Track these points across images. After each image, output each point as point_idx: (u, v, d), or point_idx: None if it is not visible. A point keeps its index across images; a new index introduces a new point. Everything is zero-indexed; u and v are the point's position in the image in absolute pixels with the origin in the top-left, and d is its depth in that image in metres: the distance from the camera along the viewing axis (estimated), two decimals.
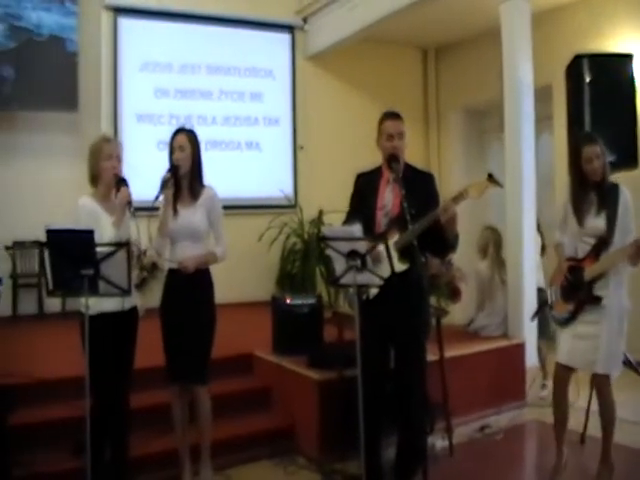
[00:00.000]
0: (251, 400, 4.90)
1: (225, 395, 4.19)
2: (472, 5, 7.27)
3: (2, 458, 3.41)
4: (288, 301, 5.22)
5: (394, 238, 3.59)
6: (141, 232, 3.67)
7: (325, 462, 4.38)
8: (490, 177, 3.52)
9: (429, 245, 3.65)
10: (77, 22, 7.82)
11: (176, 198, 3.88)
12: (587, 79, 5.23)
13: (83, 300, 3.52)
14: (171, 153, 3.89)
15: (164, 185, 3.82)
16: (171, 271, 3.93)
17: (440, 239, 3.60)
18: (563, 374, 3.96)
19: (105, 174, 3.70)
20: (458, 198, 3.50)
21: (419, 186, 3.70)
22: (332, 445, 4.42)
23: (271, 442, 4.64)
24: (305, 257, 8.07)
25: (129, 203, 3.62)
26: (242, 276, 6.97)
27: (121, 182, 3.68)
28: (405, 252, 3.58)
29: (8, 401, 3.53)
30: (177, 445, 4.00)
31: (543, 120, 7.19)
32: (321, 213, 8.16)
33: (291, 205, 8.69)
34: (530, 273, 5.89)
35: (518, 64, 5.98)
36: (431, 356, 4.06)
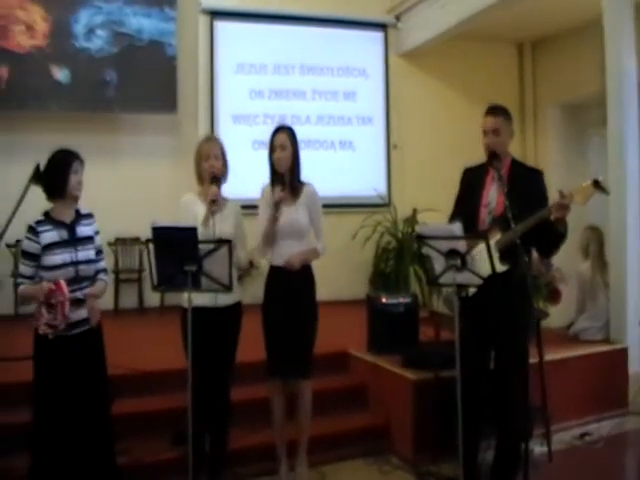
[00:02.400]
0: (346, 398, 4.91)
1: (321, 392, 4.20)
2: None
3: (106, 446, 3.52)
4: (384, 300, 5.21)
5: (496, 237, 3.52)
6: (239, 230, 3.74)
7: (419, 463, 4.34)
8: (596, 183, 3.40)
9: (537, 240, 3.56)
10: (175, 27, 8.06)
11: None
12: None
13: (184, 295, 3.64)
14: (271, 151, 3.93)
15: (277, 204, 3.84)
16: (273, 268, 3.97)
17: (549, 233, 3.51)
18: None
19: (205, 174, 3.80)
20: (562, 205, 3.39)
21: (526, 184, 3.63)
22: (427, 446, 4.38)
23: (365, 441, 4.63)
24: (399, 256, 8.04)
25: (213, 201, 3.68)
26: (336, 274, 7.01)
27: (213, 180, 3.77)
28: (507, 252, 3.50)
29: (111, 391, 3.66)
30: (275, 439, 4.06)
31: None
32: (415, 212, 8.11)
33: (385, 204, 8.66)
34: (634, 275, 5.63)
35: (621, 56, 5.73)
36: (530, 359, 3.95)
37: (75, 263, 3.38)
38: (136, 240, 7.74)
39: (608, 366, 5.31)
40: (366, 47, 8.94)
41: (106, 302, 7.16)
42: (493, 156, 3.65)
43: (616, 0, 5.81)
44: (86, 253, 3.44)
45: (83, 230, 3.47)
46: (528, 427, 4.13)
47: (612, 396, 5.28)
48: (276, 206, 3.78)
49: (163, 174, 7.62)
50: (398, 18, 8.98)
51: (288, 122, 7.75)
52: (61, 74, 7.67)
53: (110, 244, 7.49)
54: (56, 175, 3.42)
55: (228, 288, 3.39)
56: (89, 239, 3.48)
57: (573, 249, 5.70)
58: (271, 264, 3.99)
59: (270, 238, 3.90)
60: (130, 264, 7.88)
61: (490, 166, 3.68)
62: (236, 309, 3.86)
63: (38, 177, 3.47)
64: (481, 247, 3.38)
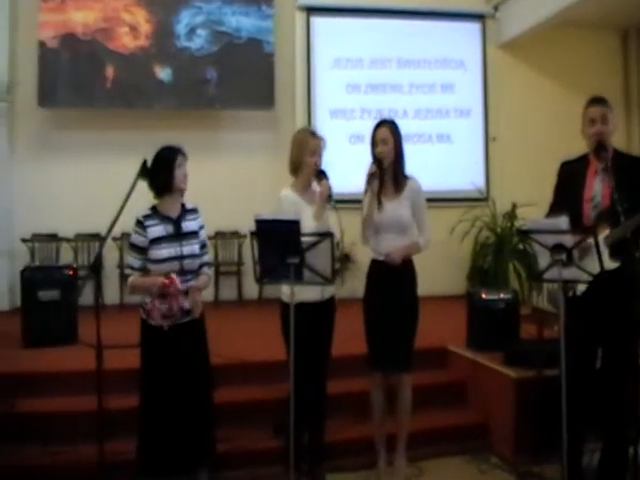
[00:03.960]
0: (445, 394, 4.86)
1: (420, 388, 4.16)
2: None
3: (209, 432, 3.63)
4: (484, 296, 5.11)
5: (604, 233, 3.39)
6: (335, 224, 3.75)
7: (520, 463, 4.24)
8: None
9: None
10: (272, 24, 8.19)
11: (380, 190, 3.89)
12: None
13: (284, 289, 3.69)
14: (373, 146, 3.91)
15: (370, 178, 3.85)
16: (374, 262, 3.97)
17: None
18: None
19: (307, 168, 3.82)
20: None
21: (631, 174, 3.45)
22: (527, 446, 4.27)
23: (464, 438, 4.58)
24: (498, 251, 7.86)
25: (329, 196, 3.71)
26: (434, 269, 6.88)
27: (322, 175, 3.78)
28: (618, 248, 3.36)
29: (214, 379, 3.76)
30: (374, 433, 4.06)
31: None
32: (514, 206, 7.91)
33: (483, 198, 8.51)
34: None
35: None
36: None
37: (180, 257, 3.49)
38: (235, 234, 7.94)
39: None
40: (464, 38, 8.80)
41: (207, 294, 7.33)
42: (601, 146, 3.51)
43: None
44: (191, 247, 3.54)
45: (188, 225, 3.58)
46: (637, 430, 3.97)
47: None
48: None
49: (262, 169, 7.76)
50: (496, 8, 8.79)
51: (385, 116, 7.79)
52: (163, 73, 7.96)
53: (210, 238, 7.66)
54: (162, 171, 3.53)
55: (330, 281, 3.42)
56: (194, 234, 3.58)
57: None
58: (372, 258, 3.98)
59: (368, 224, 3.89)
60: (230, 257, 8.07)
61: (597, 157, 3.54)
62: (331, 303, 3.89)
63: (145, 172, 3.59)
64: (589, 243, 3.26)
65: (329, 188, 3.72)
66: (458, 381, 5.00)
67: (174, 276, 3.39)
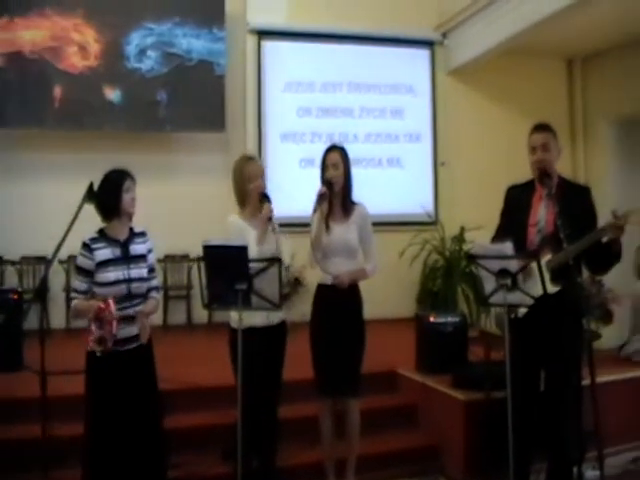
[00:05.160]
0: (396, 418, 4.89)
1: (370, 411, 4.19)
2: (623, 10, 6.93)
3: (158, 460, 3.56)
4: (432, 319, 5.17)
5: (547, 257, 3.47)
6: (285, 248, 3.75)
7: None
8: None
9: (589, 260, 3.50)
10: (224, 47, 8.20)
11: (328, 214, 3.92)
12: None
13: (232, 314, 3.67)
14: (324, 170, 3.94)
15: (320, 198, 3.87)
16: (321, 286, 3.98)
17: (603, 253, 3.46)
18: None
19: (251, 194, 3.81)
20: (617, 226, 3.33)
21: (574, 201, 3.56)
22: (477, 467, 4.33)
23: (415, 461, 4.59)
24: (447, 275, 7.95)
25: (270, 219, 3.71)
26: (383, 292, 6.96)
27: (264, 198, 3.78)
28: (559, 272, 3.45)
29: (163, 406, 3.70)
30: (323, 458, 4.05)
31: None
32: (463, 230, 8.00)
33: (432, 222, 8.60)
34: None
35: None
36: (582, 381, 3.87)
37: (128, 281, 3.44)
38: (185, 257, 7.87)
39: None
40: (414, 64, 8.95)
41: (156, 318, 7.23)
42: (544, 173, 3.60)
43: None
44: (139, 271, 3.49)
45: (136, 248, 3.53)
46: (580, 451, 4.05)
47: None
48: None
49: (212, 192, 7.69)
50: (445, 35, 8.97)
51: (336, 140, 7.85)
52: (113, 94, 7.88)
53: (160, 261, 7.59)
54: (109, 195, 3.49)
55: (278, 306, 3.41)
56: (142, 257, 3.53)
57: (627, 269, 5.58)
58: (319, 283, 3.99)
59: (316, 246, 3.90)
60: (179, 281, 7.99)
61: (541, 184, 3.63)
62: (282, 328, 3.88)
63: (92, 196, 3.55)
64: (532, 267, 3.34)
65: (270, 211, 3.72)
66: (408, 404, 5.03)
67: (110, 301, 3.31)
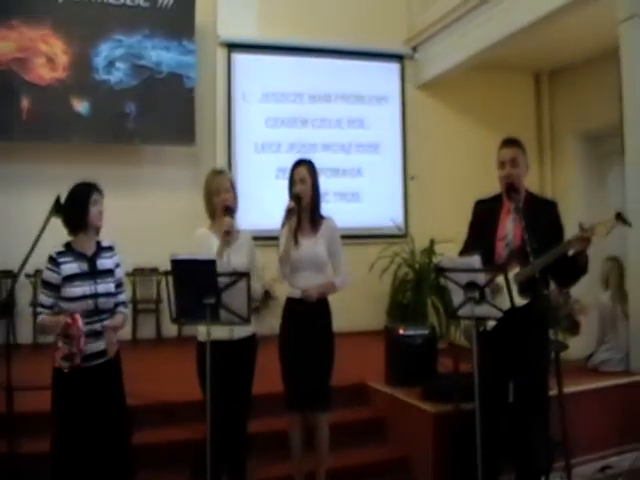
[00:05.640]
0: (365, 431, 4.88)
1: (340, 424, 4.19)
2: (588, 26, 7.05)
3: (126, 477, 3.52)
4: (401, 332, 5.18)
5: (514, 270, 3.51)
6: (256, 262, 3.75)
7: None
8: (619, 216, 3.39)
9: (556, 272, 3.54)
10: (194, 59, 8.17)
11: (296, 229, 3.92)
12: None
13: (199, 328, 3.65)
14: (291, 185, 3.96)
15: (289, 213, 3.87)
16: (290, 300, 3.98)
17: (569, 266, 3.51)
18: None
19: (217, 207, 3.81)
20: (584, 238, 3.38)
21: (542, 215, 3.61)
22: (447, 479, 4.32)
23: (385, 473, 4.59)
24: (417, 287, 7.99)
25: (228, 233, 3.69)
26: (353, 305, 6.97)
27: (227, 212, 3.77)
28: (527, 285, 3.49)
29: (131, 422, 3.66)
30: (293, 472, 4.03)
31: None
32: (432, 243, 8.07)
33: (402, 235, 8.64)
34: None
35: (638, 86, 5.73)
36: (550, 391, 3.91)
37: (94, 296, 3.40)
38: (154, 271, 7.79)
39: (629, 398, 5.22)
40: (383, 78, 9.01)
41: (125, 332, 7.17)
42: (511, 188, 3.64)
43: (634, 28, 5.83)
44: (106, 286, 3.46)
45: (104, 263, 3.50)
46: (548, 461, 4.08)
47: (633, 428, 5.18)
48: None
49: (182, 205, 7.61)
50: (415, 49, 9.05)
51: (306, 151, 7.91)
52: (81, 106, 7.80)
53: (128, 274, 7.51)
54: (76, 208, 3.46)
55: (246, 320, 3.40)
56: (109, 272, 3.50)
57: (593, 280, 5.65)
58: (288, 296, 3.99)
59: (285, 261, 3.90)
60: (148, 295, 7.91)
61: (508, 198, 3.67)
62: (251, 341, 3.85)
63: (59, 209, 3.51)
64: (500, 281, 3.37)
65: (228, 225, 3.70)
66: (378, 417, 5.03)
67: (77, 316, 3.27)
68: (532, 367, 3.56)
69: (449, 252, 4.66)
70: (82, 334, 3.26)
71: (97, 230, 3.54)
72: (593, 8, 6.28)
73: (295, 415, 3.94)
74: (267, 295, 6.63)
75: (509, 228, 3.68)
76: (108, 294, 3.46)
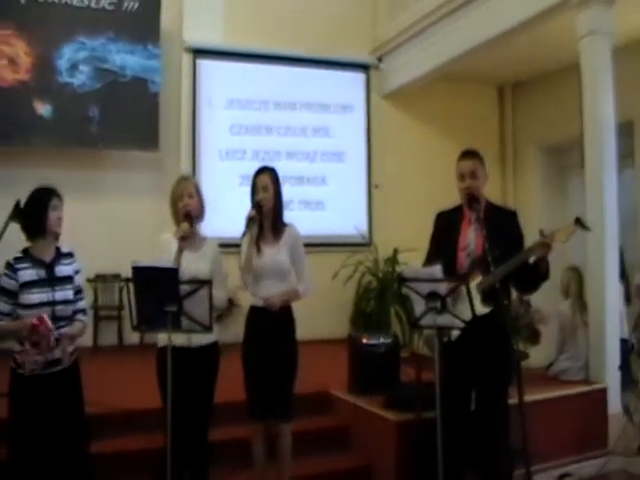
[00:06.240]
0: (328, 439, 4.86)
1: (303, 433, 4.16)
2: (551, 41, 7.17)
3: None
4: (364, 340, 5.19)
5: (476, 280, 3.54)
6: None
7: None
8: (578, 221, 3.45)
9: (518, 280, 3.58)
10: (159, 64, 8.09)
11: (259, 237, 3.91)
12: None
13: (159, 335, 3.61)
14: (254, 192, 3.94)
15: (250, 222, 3.86)
16: (253, 308, 3.95)
17: (531, 273, 3.55)
18: None
19: (180, 213, 3.79)
20: (544, 244, 3.43)
21: (502, 225, 3.67)
22: None
23: None
24: (380, 296, 8.01)
25: (182, 239, 3.66)
26: (317, 313, 6.96)
27: (186, 217, 3.75)
28: (488, 294, 3.52)
29: (89, 430, 3.61)
30: None
31: (626, 157, 6.99)
32: (396, 252, 8.10)
33: (366, 243, 8.65)
34: (613, 315, 5.65)
35: (599, 100, 5.83)
36: (510, 400, 3.95)
37: (52, 303, 3.35)
38: (116, 277, 7.69)
39: (588, 406, 5.29)
40: (349, 87, 9.05)
41: (85, 339, 7.05)
42: (472, 199, 3.68)
43: (594, 44, 5.94)
44: (64, 293, 3.40)
45: (62, 269, 3.44)
46: (509, 468, 4.12)
47: (592, 436, 5.25)
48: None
49: (145, 211, 7.55)
50: (380, 59, 9.12)
51: (270, 158, 7.90)
52: (44, 109, 7.65)
53: (90, 280, 7.42)
54: (35, 213, 3.41)
55: (208, 329, 3.37)
56: (68, 279, 3.45)
57: (553, 289, 5.73)
58: (251, 305, 3.97)
59: (247, 269, 3.88)
60: (110, 301, 7.80)
61: (469, 208, 3.71)
62: (213, 349, 3.81)
63: (18, 214, 3.45)
64: (462, 290, 3.40)
65: (183, 231, 3.68)
66: (341, 425, 5.02)
67: (44, 316, 3.23)
68: (494, 376, 3.60)
69: (412, 261, 4.69)
70: (51, 331, 3.22)
71: (56, 236, 3.49)
72: (554, 23, 6.39)
73: (258, 424, 3.91)
74: (231, 303, 6.60)
75: (471, 238, 3.71)
76: (66, 301, 3.40)
